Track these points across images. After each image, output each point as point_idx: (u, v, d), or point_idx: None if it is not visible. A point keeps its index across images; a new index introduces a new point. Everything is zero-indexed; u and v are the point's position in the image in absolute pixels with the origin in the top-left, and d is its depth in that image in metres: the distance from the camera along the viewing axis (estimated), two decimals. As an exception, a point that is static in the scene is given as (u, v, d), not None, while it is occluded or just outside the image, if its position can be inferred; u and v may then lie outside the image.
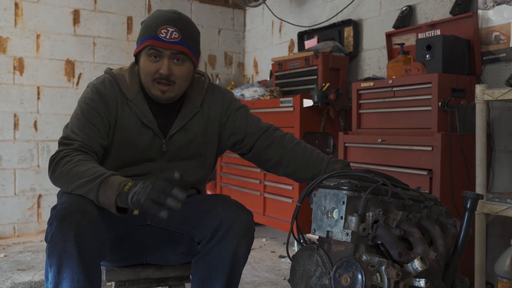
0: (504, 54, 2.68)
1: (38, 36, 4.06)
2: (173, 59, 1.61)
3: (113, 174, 1.47)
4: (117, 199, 1.40)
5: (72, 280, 1.36)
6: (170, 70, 1.60)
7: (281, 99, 3.54)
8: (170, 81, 1.62)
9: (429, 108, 2.57)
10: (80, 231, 1.38)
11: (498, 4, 2.69)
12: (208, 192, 3.53)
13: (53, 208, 1.46)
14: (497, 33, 2.71)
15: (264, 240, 3.97)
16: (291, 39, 4.42)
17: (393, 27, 3.24)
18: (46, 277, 1.41)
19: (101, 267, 1.62)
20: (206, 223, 1.59)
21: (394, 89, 2.78)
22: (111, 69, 1.75)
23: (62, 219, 1.38)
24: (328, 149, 3.43)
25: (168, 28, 1.58)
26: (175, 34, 1.59)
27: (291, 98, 3.45)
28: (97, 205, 1.46)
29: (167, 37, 1.58)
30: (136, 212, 1.39)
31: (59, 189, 1.63)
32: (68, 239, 1.36)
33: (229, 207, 1.60)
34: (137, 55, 1.67)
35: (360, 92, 3.02)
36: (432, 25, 2.95)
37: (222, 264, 1.55)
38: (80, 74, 4.25)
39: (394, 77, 2.89)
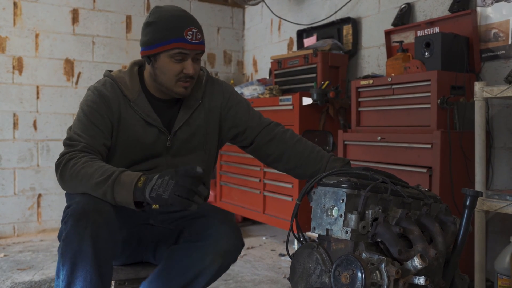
0: (503, 51, 2.68)
1: (37, 36, 4.06)
2: (194, 58, 1.65)
3: (122, 171, 1.47)
4: (134, 195, 1.42)
5: (85, 280, 1.36)
6: (194, 69, 1.64)
7: (281, 97, 3.54)
8: (192, 78, 1.66)
9: (428, 105, 2.57)
10: (97, 231, 1.38)
11: (497, 1, 2.69)
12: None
13: (67, 207, 1.46)
14: (496, 30, 2.71)
15: (264, 238, 3.97)
16: (290, 37, 4.42)
17: (392, 25, 3.24)
18: (58, 275, 1.41)
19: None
20: (198, 227, 1.62)
21: (393, 86, 2.78)
22: (110, 71, 1.75)
23: (78, 218, 1.38)
24: (327, 147, 3.43)
25: (193, 30, 1.61)
26: (199, 35, 1.62)
27: (290, 96, 3.45)
28: (111, 204, 1.46)
29: (194, 38, 1.60)
30: (155, 206, 1.40)
31: (59, 188, 1.63)
32: (84, 238, 1.36)
33: (226, 225, 1.61)
34: (150, 55, 1.64)
35: (359, 90, 3.01)
36: (431, 23, 2.95)
37: (187, 270, 1.56)
38: (80, 73, 4.25)
39: (393, 74, 2.89)
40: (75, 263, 1.36)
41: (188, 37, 1.59)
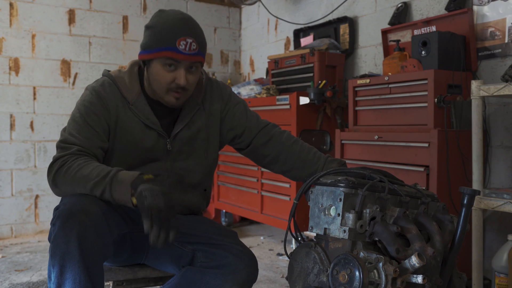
0: (500, 50, 2.69)
1: (33, 36, 4.05)
2: (189, 68, 1.59)
3: (119, 170, 1.46)
4: (132, 190, 1.40)
5: (74, 281, 1.35)
6: (186, 80, 1.58)
7: (278, 97, 3.54)
8: (185, 89, 1.61)
9: (425, 104, 2.57)
10: (83, 232, 1.37)
11: (493, 0, 2.70)
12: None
13: (56, 208, 1.45)
14: (493, 29, 2.71)
15: (262, 238, 3.97)
16: (287, 37, 4.42)
17: (389, 24, 3.24)
18: (49, 277, 1.41)
19: (99, 267, 1.62)
20: (215, 253, 1.58)
21: (390, 85, 2.78)
22: (109, 71, 1.72)
23: (65, 220, 1.37)
24: (325, 147, 3.43)
25: (187, 40, 1.54)
26: (194, 46, 1.55)
27: (287, 96, 3.45)
28: (101, 206, 1.44)
29: (186, 49, 1.54)
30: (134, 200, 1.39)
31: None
32: (71, 239, 1.35)
33: (246, 255, 1.58)
34: (145, 60, 1.62)
35: (357, 89, 3.01)
36: (428, 22, 2.95)
37: None
38: (76, 74, 4.24)
39: (390, 73, 2.89)
40: (63, 265, 1.35)
41: (180, 47, 1.54)
